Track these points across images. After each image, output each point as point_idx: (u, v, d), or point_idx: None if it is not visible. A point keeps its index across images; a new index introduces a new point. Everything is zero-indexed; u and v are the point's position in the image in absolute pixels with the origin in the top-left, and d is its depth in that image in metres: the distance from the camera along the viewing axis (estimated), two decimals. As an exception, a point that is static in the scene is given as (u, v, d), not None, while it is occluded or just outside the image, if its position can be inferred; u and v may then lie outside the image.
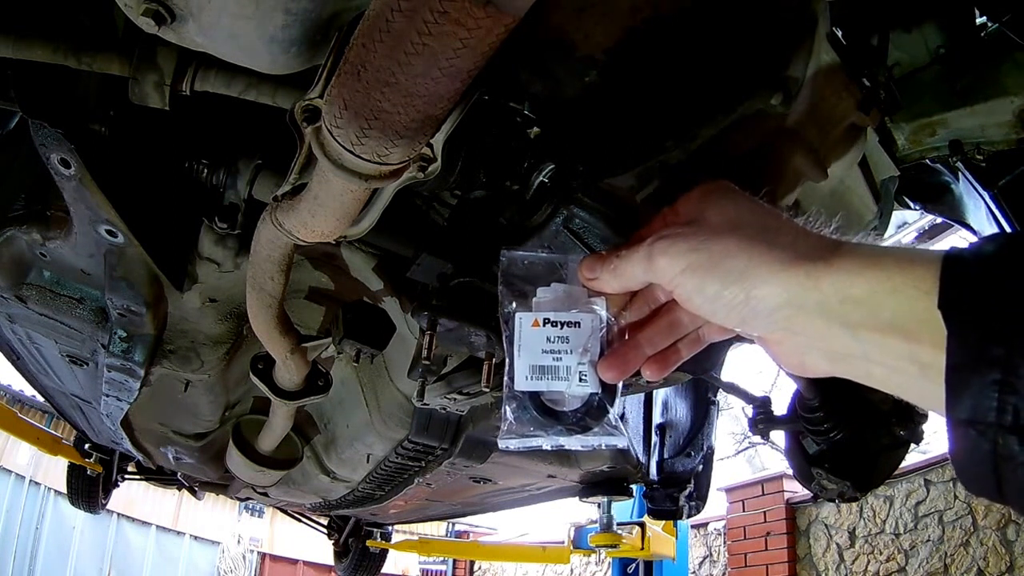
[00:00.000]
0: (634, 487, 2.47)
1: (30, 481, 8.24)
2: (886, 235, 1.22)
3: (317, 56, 0.73)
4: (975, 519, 4.31)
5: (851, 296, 0.44)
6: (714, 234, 0.51)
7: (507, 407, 0.61)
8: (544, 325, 0.60)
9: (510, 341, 0.61)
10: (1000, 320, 0.38)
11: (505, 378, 0.62)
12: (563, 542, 5.35)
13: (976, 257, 0.41)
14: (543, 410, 0.62)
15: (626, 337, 0.61)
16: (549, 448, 0.62)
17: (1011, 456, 0.37)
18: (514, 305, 0.62)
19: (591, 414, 0.62)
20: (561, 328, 0.60)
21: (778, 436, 1.76)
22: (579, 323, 0.60)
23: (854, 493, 1.55)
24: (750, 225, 0.51)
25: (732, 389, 1.80)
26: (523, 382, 0.60)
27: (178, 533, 10.68)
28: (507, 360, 0.62)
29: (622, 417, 0.63)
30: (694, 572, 6.37)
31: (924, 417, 1.49)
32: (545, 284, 0.63)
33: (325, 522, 4.76)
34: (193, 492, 3.91)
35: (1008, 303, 0.38)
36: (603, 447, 0.62)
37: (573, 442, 0.62)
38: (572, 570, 7.98)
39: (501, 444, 0.62)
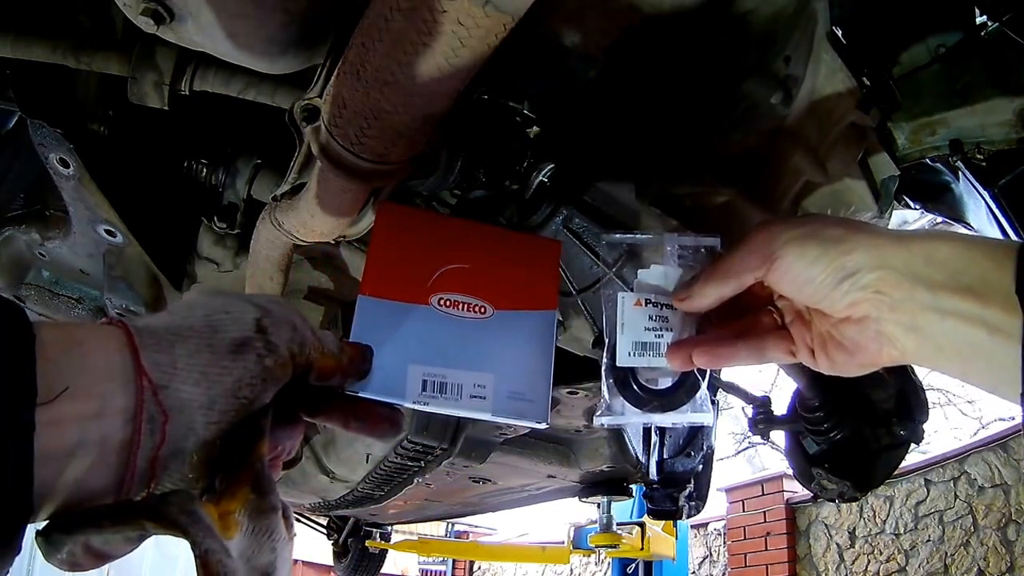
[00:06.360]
0: (634, 487, 2.47)
1: (30, 481, 8.24)
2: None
3: (316, 55, 0.73)
4: (975, 519, 4.31)
5: (935, 258, 0.49)
6: (808, 217, 0.57)
7: (605, 387, 0.65)
8: (646, 305, 0.64)
9: (612, 320, 0.65)
10: None
11: (604, 359, 0.65)
12: (563, 542, 5.34)
13: None
14: (641, 387, 0.65)
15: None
16: (641, 425, 0.66)
17: None
18: (617, 285, 0.67)
19: (685, 391, 0.65)
20: (661, 308, 0.64)
21: (778, 436, 1.76)
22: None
23: (854, 493, 1.55)
24: (832, 216, 0.57)
25: (732, 389, 1.80)
26: (625, 358, 0.64)
27: (178, 533, 10.69)
28: (606, 340, 0.65)
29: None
30: (694, 572, 6.37)
31: (925, 416, 1.49)
32: (645, 266, 0.66)
33: (324, 522, 4.76)
34: (193, 492, 3.91)
35: None
36: (689, 424, 0.66)
37: (666, 419, 0.66)
38: (572, 570, 7.98)
39: (596, 422, 0.66)
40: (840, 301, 0.53)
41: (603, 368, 0.65)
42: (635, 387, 0.65)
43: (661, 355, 0.63)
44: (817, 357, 0.58)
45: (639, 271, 0.66)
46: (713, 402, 2.24)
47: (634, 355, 0.64)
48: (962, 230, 1.37)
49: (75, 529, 0.37)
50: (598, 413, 0.65)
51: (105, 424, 0.37)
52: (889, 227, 1.20)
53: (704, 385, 0.65)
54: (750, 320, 0.62)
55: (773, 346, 0.60)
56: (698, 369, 0.64)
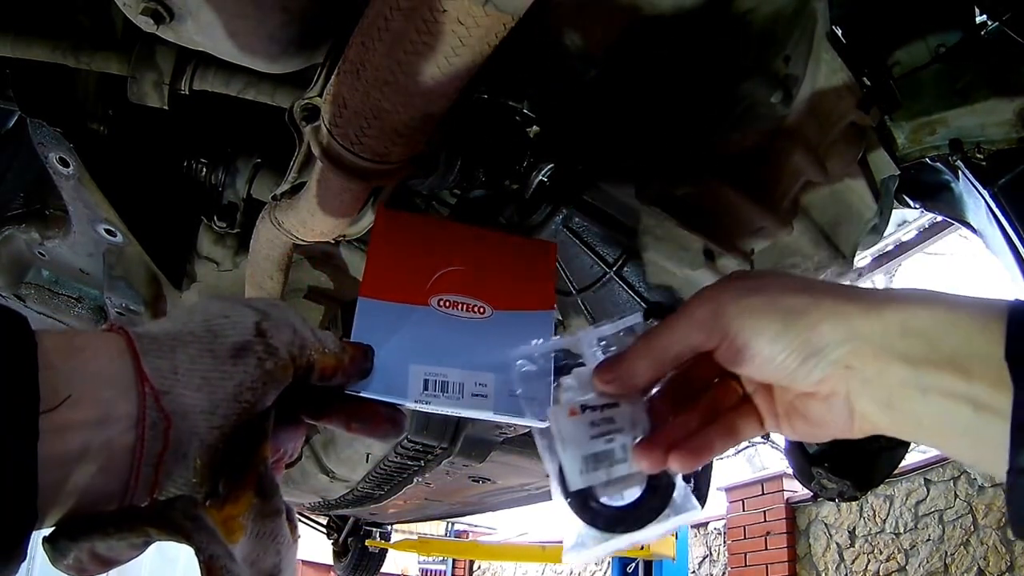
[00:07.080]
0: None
1: (29, 481, 8.23)
2: (885, 233, 1.22)
3: (316, 55, 0.73)
4: (975, 518, 4.31)
5: (912, 328, 0.43)
6: (763, 282, 0.49)
7: (566, 520, 0.54)
8: (583, 411, 0.54)
9: (551, 444, 0.55)
10: None
11: (556, 490, 0.54)
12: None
13: None
14: (606, 510, 0.54)
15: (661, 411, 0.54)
16: (626, 547, 0.54)
17: None
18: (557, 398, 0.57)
19: (659, 493, 0.54)
20: (601, 410, 0.54)
21: (778, 436, 1.76)
22: (616, 402, 0.54)
23: (854, 492, 1.55)
24: (791, 277, 0.49)
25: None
26: (578, 478, 0.53)
27: (178, 533, 10.67)
28: (552, 468, 0.55)
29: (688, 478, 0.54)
30: (694, 572, 6.37)
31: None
32: (566, 372, 0.58)
33: (324, 521, 4.76)
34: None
35: None
36: (677, 527, 0.55)
37: (652, 533, 0.55)
38: (572, 570, 7.99)
39: (567, 560, 0.55)
40: (805, 379, 0.47)
41: (556, 496, 0.54)
42: (598, 506, 0.53)
43: (621, 462, 0.53)
44: (782, 427, 0.52)
45: (561, 379, 0.57)
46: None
47: (587, 471, 0.53)
48: (962, 230, 1.38)
49: (80, 536, 0.37)
50: (567, 548, 0.54)
51: (109, 430, 0.37)
52: (888, 228, 1.20)
53: (679, 481, 0.54)
54: (710, 400, 0.53)
55: (744, 424, 0.52)
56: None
